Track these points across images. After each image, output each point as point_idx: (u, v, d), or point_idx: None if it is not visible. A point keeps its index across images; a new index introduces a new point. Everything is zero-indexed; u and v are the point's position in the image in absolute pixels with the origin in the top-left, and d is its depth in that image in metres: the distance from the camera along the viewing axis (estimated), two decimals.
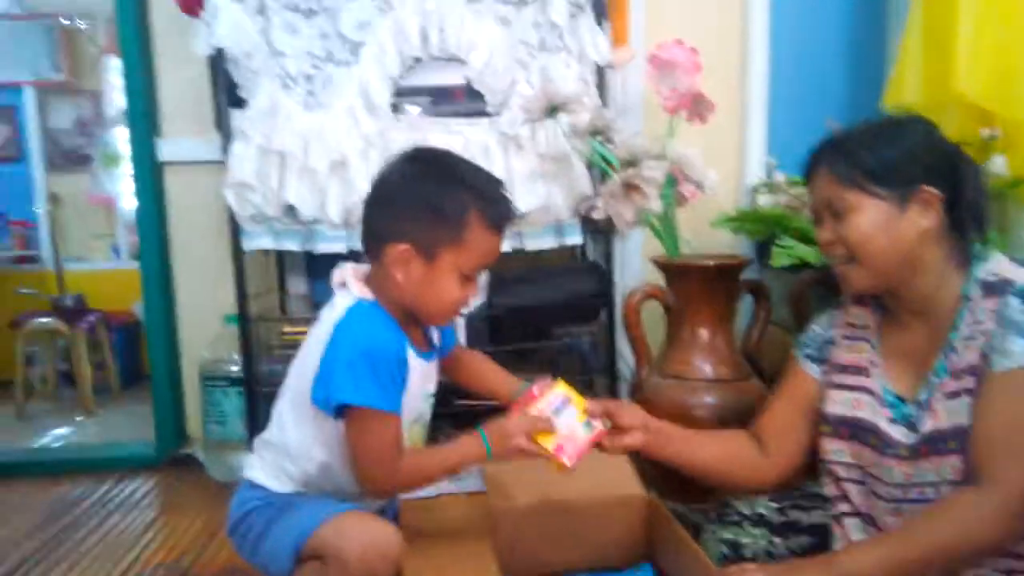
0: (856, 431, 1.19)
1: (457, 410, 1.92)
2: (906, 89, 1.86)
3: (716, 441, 1.36)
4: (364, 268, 1.23)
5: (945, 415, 1.07)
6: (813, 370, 1.30)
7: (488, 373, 1.42)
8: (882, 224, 1.10)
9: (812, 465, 1.33)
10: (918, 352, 1.15)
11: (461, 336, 2.03)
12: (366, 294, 1.19)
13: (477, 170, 1.21)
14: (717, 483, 1.35)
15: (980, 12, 1.72)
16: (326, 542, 1.12)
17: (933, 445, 1.07)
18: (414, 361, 1.20)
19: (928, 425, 1.09)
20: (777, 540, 1.29)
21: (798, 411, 1.30)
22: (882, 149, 1.11)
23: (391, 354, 1.15)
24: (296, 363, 1.23)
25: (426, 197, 1.14)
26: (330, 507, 1.17)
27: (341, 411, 1.14)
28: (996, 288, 1.06)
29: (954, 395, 1.07)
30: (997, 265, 1.09)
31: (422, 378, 1.25)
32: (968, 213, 1.12)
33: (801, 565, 1.08)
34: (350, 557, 1.09)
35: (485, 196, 1.16)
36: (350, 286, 1.20)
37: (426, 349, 1.27)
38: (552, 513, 1.43)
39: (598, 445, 1.24)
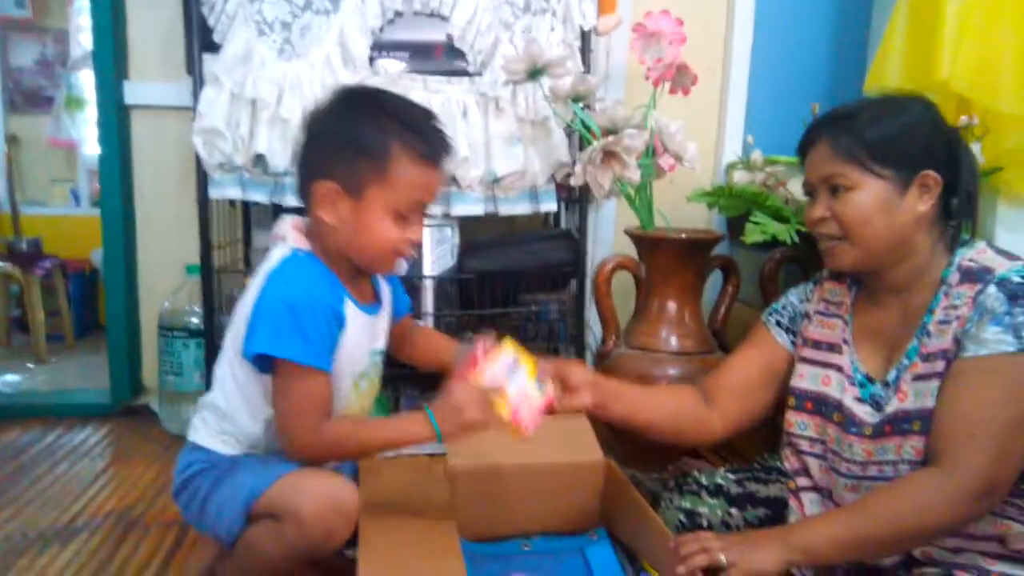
0: (821, 406, 1.20)
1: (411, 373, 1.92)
2: (888, 74, 1.86)
3: (664, 397, 1.35)
4: (305, 220, 1.18)
5: (912, 396, 1.07)
6: (783, 339, 1.30)
7: (437, 343, 1.39)
8: (881, 206, 1.09)
9: (771, 438, 1.34)
10: (891, 333, 1.15)
11: (429, 298, 2.01)
12: (302, 244, 1.14)
13: (404, 102, 1.15)
14: (664, 438, 1.34)
15: (965, 3, 1.73)
16: (281, 499, 1.09)
17: (896, 424, 1.08)
18: (355, 314, 1.16)
19: (893, 405, 1.09)
20: (734, 511, 1.30)
21: (758, 374, 1.30)
22: (887, 128, 1.10)
23: (319, 306, 1.09)
24: (232, 320, 1.18)
25: (347, 130, 1.09)
26: (282, 465, 1.13)
27: (264, 364, 1.09)
28: (975, 275, 1.06)
29: (923, 378, 1.07)
30: (978, 253, 1.09)
31: (366, 333, 1.21)
32: (962, 200, 1.11)
33: (757, 536, 1.08)
34: (306, 514, 1.06)
35: (410, 127, 1.10)
36: (288, 237, 1.15)
37: (371, 303, 1.23)
38: (510, 476, 1.43)
39: (548, 407, 1.19)
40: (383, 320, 1.27)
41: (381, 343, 1.27)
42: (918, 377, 1.08)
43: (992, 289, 1.02)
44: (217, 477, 1.16)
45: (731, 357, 1.35)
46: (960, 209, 1.11)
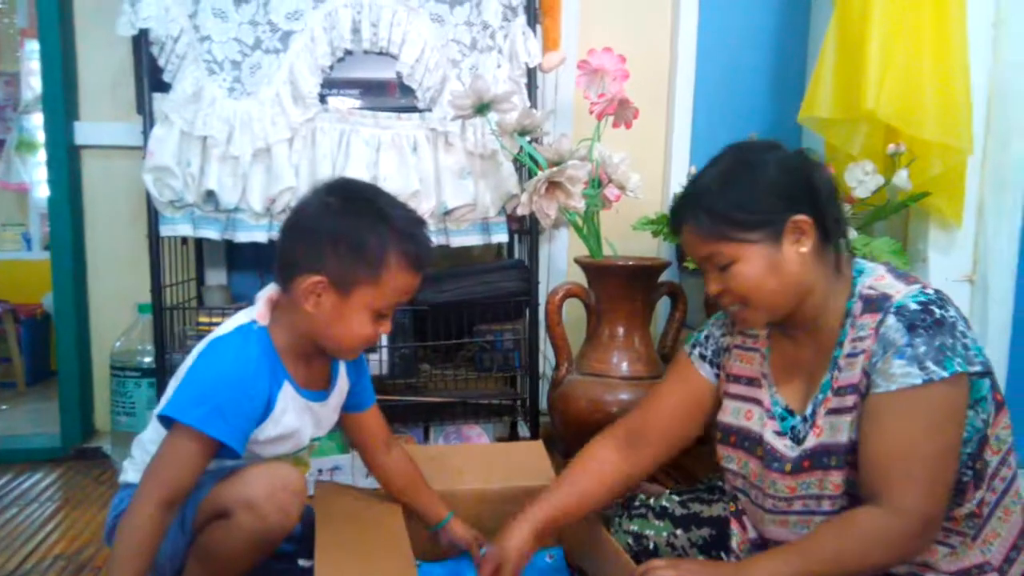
0: (744, 441, 1.22)
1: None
2: (819, 105, 1.95)
3: (588, 484, 1.31)
4: (280, 294, 1.19)
5: (827, 430, 1.10)
6: (706, 371, 1.31)
7: (418, 487, 1.37)
8: (765, 267, 1.10)
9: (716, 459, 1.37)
10: (806, 366, 1.17)
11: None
12: (262, 319, 1.15)
13: (399, 207, 1.18)
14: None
15: (888, 37, 1.82)
16: (226, 493, 1.09)
17: (816, 459, 1.10)
18: (291, 397, 1.17)
19: (811, 440, 1.12)
20: (679, 532, 1.31)
21: (683, 411, 1.31)
22: (738, 195, 1.11)
23: (246, 386, 1.10)
24: (176, 374, 1.17)
25: (347, 231, 1.11)
26: (213, 473, 1.13)
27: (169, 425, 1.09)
28: (876, 303, 1.07)
29: (835, 412, 1.10)
30: (877, 279, 1.11)
31: (305, 418, 1.21)
32: (832, 224, 1.12)
33: (712, 570, 1.11)
34: (257, 497, 1.07)
35: (406, 236, 1.13)
36: (257, 305, 1.16)
37: (320, 389, 1.23)
38: (466, 500, 1.44)
39: None
40: (328, 408, 1.26)
41: (321, 430, 1.28)
42: (831, 411, 1.10)
43: (892, 320, 1.04)
44: None
45: (655, 394, 1.36)
46: (833, 234, 1.13)
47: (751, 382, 1.24)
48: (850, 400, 1.08)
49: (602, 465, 1.31)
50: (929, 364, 1.00)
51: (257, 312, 1.16)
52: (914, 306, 1.04)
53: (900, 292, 1.06)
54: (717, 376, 1.30)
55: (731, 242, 1.10)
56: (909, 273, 1.13)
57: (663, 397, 1.34)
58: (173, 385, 1.14)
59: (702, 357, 1.32)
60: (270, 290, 1.18)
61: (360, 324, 1.13)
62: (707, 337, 1.33)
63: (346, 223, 1.11)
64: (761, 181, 1.11)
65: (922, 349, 1.01)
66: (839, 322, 1.12)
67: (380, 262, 1.10)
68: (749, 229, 1.09)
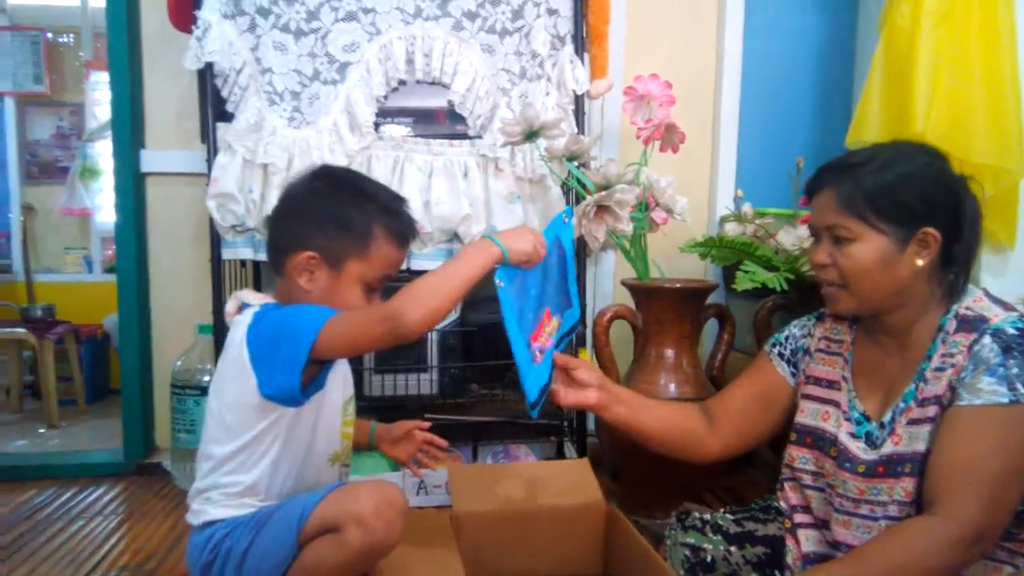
0: (819, 441, 1.24)
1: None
2: (868, 129, 1.96)
3: (666, 410, 1.41)
4: (261, 294, 1.28)
5: (906, 439, 1.11)
6: (783, 370, 1.35)
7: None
8: (880, 260, 1.13)
9: (768, 481, 1.38)
10: (889, 374, 1.19)
11: (434, 351, 2.07)
12: (270, 300, 1.24)
13: (382, 187, 1.29)
14: (661, 448, 1.38)
15: (937, 60, 1.83)
16: (336, 509, 1.14)
17: (890, 466, 1.12)
18: None
19: (887, 447, 1.13)
20: (733, 549, 1.32)
21: (755, 400, 1.36)
22: (891, 183, 1.12)
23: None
24: (215, 389, 1.23)
25: (333, 209, 1.21)
26: (318, 491, 1.18)
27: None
28: (971, 324, 1.09)
29: (916, 422, 1.11)
30: (975, 301, 1.13)
31: (341, 367, 1.32)
32: (962, 252, 1.14)
33: None
34: (367, 513, 1.11)
35: (390, 211, 1.24)
36: (252, 300, 1.23)
37: None
38: (514, 521, 1.47)
39: (553, 396, 1.29)
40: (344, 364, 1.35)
41: (349, 388, 1.37)
42: (912, 421, 1.12)
43: (987, 340, 1.06)
44: (255, 526, 1.18)
45: (734, 383, 1.41)
46: (958, 261, 1.14)
47: (831, 384, 1.27)
48: (931, 411, 1.10)
49: (684, 409, 1.40)
50: (1019, 386, 1.03)
51: (260, 300, 1.23)
52: (1012, 330, 1.06)
53: (998, 316, 1.08)
54: (794, 375, 1.34)
55: (861, 221, 1.13)
56: (1006, 301, 1.14)
57: (738, 385, 1.39)
58: (228, 389, 1.19)
59: (780, 356, 1.36)
60: (248, 293, 1.27)
61: (354, 297, 1.23)
62: (787, 337, 1.37)
63: (333, 203, 1.22)
64: (917, 181, 1.13)
65: (1014, 371, 1.03)
66: (930, 336, 1.14)
67: (367, 236, 1.21)
68: (884, 219, 1.12)
